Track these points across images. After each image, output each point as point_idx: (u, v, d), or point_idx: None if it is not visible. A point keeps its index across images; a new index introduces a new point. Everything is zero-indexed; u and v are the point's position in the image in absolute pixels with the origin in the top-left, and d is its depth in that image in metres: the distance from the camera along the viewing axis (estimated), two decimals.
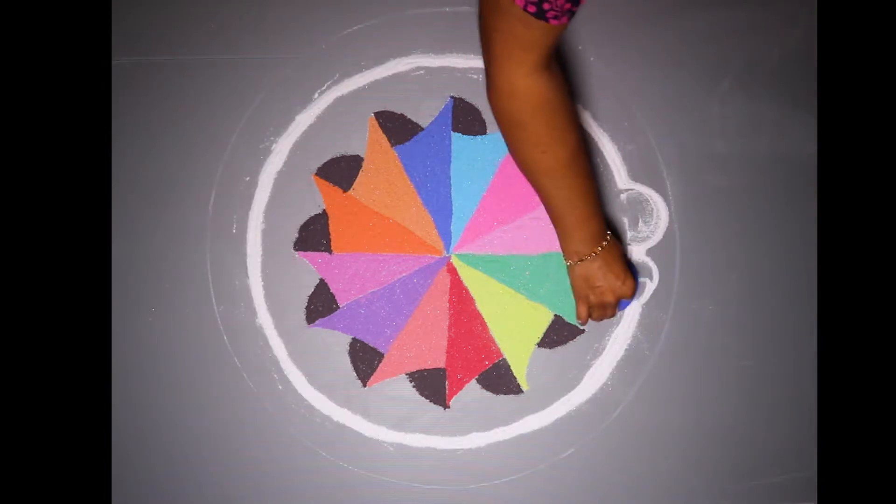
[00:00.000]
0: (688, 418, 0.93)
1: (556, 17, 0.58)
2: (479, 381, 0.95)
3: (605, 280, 0.83)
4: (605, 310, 0.87)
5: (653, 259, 0.95)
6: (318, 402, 0.94)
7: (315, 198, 0.96)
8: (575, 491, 0.93)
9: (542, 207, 0.95)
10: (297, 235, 0.96)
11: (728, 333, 0.94)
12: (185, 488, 0.94)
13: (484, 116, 0.96)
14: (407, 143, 0.96)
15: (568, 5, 0.58)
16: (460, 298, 0.95)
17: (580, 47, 0.96)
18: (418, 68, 0.97)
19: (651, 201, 0.95)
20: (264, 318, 0.95)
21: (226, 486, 0.94)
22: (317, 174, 0.96)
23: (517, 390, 0.94)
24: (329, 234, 0.96)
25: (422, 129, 0.96)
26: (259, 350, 0.95)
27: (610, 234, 0.83)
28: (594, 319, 0.89)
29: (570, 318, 0.95)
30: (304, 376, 0.95)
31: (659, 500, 0.93)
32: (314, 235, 0.96)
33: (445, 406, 0.94)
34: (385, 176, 0.96)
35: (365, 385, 0.95)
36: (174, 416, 0.94)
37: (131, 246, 0.95)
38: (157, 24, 0.97)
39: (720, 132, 0.95)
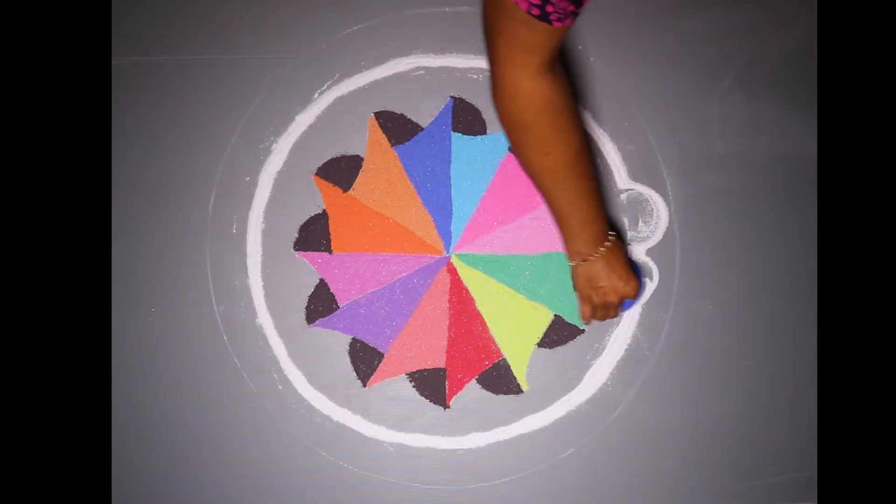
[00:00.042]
0: (688, 418, 0.93)
1: (559, 20, 0.58)
2: (479, 381, 0.95)
3: (609, 280, 0.83)
4: (609, 310, 0.87)
5: (653, 259, 0.95)
6: (318, 402, 0.94)
7: (315, 198, 0.96)
8: (575, 491, 0.93)
9: (542, 207, 0.95)
10: (297, 235, 0.96)
11: (728, 333, 0.94)
12: (185, 488, 0.94)
13: (484, 116, 0.96)
14: (407, 143, 0.96)
15: (571, 7, 0.58)
16: (460, 298, 0.95)
17: (580, 47, 0.96)
18: (418, 68, 0.97)
19: (651, 201, 0.95)
20: (264, 318, 0.95)
21: (226, 486, 0.94)
22: (317, 174, 0.96)
23: (517, 390, 0.94)
24: (329, 234, 0.96)
25: (422, 129, 0.96)
26: (259, 350, 0.95)
27: (613, 234, 0.83)
28: (597, 319, 0.89)
29: (571, 318, 0.95)
30: (304, 376, 0.95)
31: (659, 500, 0.93)
32: (314, 235, 0.96)
33: (445, 406, 0.94)
34: (385, 176, 0.96)
35: (365, 385, 0.95)
36: (174, 416, 0.94)
37: (131, 246, 0.95)
38: (157, 24, 0.97)
39: (720, 132, 0.95)
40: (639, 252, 0.95)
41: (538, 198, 0.96)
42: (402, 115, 0.96)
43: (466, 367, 0.95)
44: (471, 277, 0.96)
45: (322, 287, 0.95)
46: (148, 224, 0.95)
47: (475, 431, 0.94)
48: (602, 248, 0.81)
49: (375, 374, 0.95)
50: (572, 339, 0.95)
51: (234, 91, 0.96)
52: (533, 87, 0.66)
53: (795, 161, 0.95)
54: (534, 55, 0.63)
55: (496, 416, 0.94)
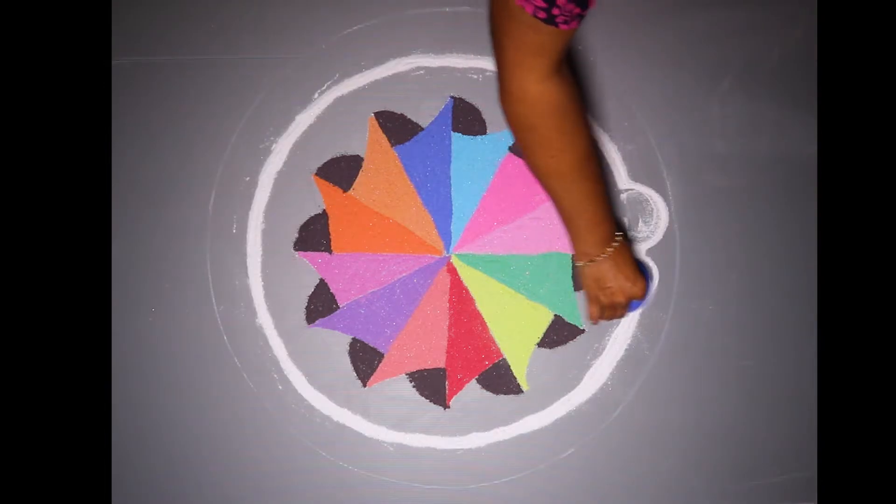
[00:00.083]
0: (688, 418, 0.93)
1: (565, 22, 0.59)
2: (479, 381, 0.95)
3: (616, 281, 0.84)
4: (616, 310, 0.87)
5: (653, 259, 0.95)
6: (318, 402, 0.94)
7: (315, 198, 0.96)
8: (575, 491, 0.93)
9: (543, 207, 0.95)
10: (297, 235, 0.96)
11: (728, 333, 0.94)
12: (185, 488, 0.94)
13: (484, 116, 0.96)
14: (407, 143, 0.96)
15: (577, 10, 0.58)
16: (460, 298, 0.95)
17: (580, 48, 0.96)
18: (418, 68, 0.97)
19: (651, 201, 0.95)
20: (264, 318, 0.95)
21: (226, 486, 0.94)
22: (317, 174, 0.96)
23: (517, 390, 0.94)
24: (329, 234, 0.96)
25: (422, 129, 0.96)
26: (259, 350, 0.95)
27: (620, 235, 0.83)
28: (605, 319, 0.89)
29: (571, 318, 0.95)
30: (304, 376, 0.95)
31: (659, 500, 0.93)
32: (314, 235, 0.96)
33: (445, 406, 0.94)
34: (385, 176, 0.96)
35: (365, 385, 0.95)
36: (174, 416, 0.94)
37: (131, 246, 0.95)
38: (157, 24, 0.97)
39: (720, 132, 0.95)
40: (639, 252, 0.95)
41: (538, 198, 0.96)
42: (402, 115, 0.96)
43: (466, 367, 0.95)
44: (471, 277, 0.96)
45: (322, 287, 0.95)
46: (148, 224, 0.95)
47: (475, 431, 0.94)
48: (609, 249, 0.82)
49: (375, 374, 0.95)
50: (572, 339, 0.95)
51: (234, 91, 0.96)
52: (540, 91, 0.66)
53: (795, 161, 0.95)
54: (541, 58, 0.63)
55: (496, 416, 0.94)
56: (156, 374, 0.94)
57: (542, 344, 0.95)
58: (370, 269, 0.95)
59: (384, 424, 0.94)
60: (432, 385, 0.95)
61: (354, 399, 0.94)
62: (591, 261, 0.82)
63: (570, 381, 0.94)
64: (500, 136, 0.96)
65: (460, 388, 0.94)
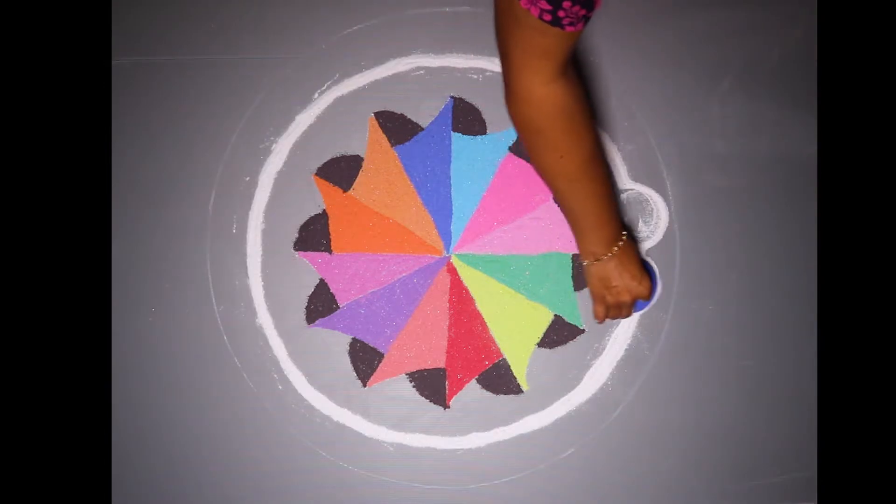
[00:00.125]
0: (688, 418, 0.93)
1: (571, 24, 0.59)
2: (479, 381, 0.95)
3: (622, 280, 0.84)
4: (621, 310, 0.87)
5: (653, 259, 0.95)
6: (318, 402, 0.94)
7: (315, 198, 0.96)
8: (575, 491, 0.93)
9: (543, 207, 0.95)
10: (297, 235, 0.96)
11: (728, 333, 0.94)
12: (185, 488, 0.94)
13: (484, 116, 0.96)
14: (407, 143, 0.96)
15: (583, 12, 0.58)
16: (460, 298, 0.95)
17: (580, 48, 0.96)
18: (418, 68, 0.97)
19: (651, 201, 0.95)
20: (264, 318, 0.95)
21: (226, 486, 0.94)
22: (317, 174, 0.96)
23: (517, 390, 0.94)
24: (329, 234, 0.96)
25: (422, 129, 0.96)
26: (259, 350, 0.95)
27: (626, 234, 0.83)
28: (610, 318, 0.89)
29: (570, 318, 0.95)
30: (304, 376, 0.95)
31: (659, 500, 0.93)
32: (314, 235, 0.96)
33: (445, 406, 0.94)
34: (385, 176, 0.96)
35: (365, 385, 0.95)
36: (174, 416, 0.94)
37: (131, 246, 0.95)
38: (157, 24, 0.97)
39: (720, 132, 0.95)
40: (639, 252, 0.95)
41: (538, 198, 0.96)
42: (402, 115, 0.96)
43: (466, 367, 0.95)
44: (471, 277, 0.96)
45: (322, 287, 0.95)
46: (148, 224, 0.95)
47: (475, 431, 0.94)
48: (615, 248, 0.82)
49: (375, 374, 0.95)
50: (572, 339, 0.95)
51: (234, 91, 0.96)
52: (547, 93, 0.66)
53: (795, 161, 0.95)
54: (547, 60, 0.64)
55: (496, 416, 0.94)
56: (156, 374, 0.94)
57: (542, 344, 0.95)
58: (370, 269, 0.95)
59: (384, 424, 0.94)
60: (432, 385, 0.95)
61: (354, 399, 0.94)
62: (597, 260, 0.83)
63: (570, 381, 0.94)
64: (500, 136, 0.96)
65: (460, 388, 0.94)
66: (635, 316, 0.94)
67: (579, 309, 0.95)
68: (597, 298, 0.87)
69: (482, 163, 0.96)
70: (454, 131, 0.96)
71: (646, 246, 0.95)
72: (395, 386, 0.95)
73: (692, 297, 0.94)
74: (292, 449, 0.94)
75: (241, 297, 0.95)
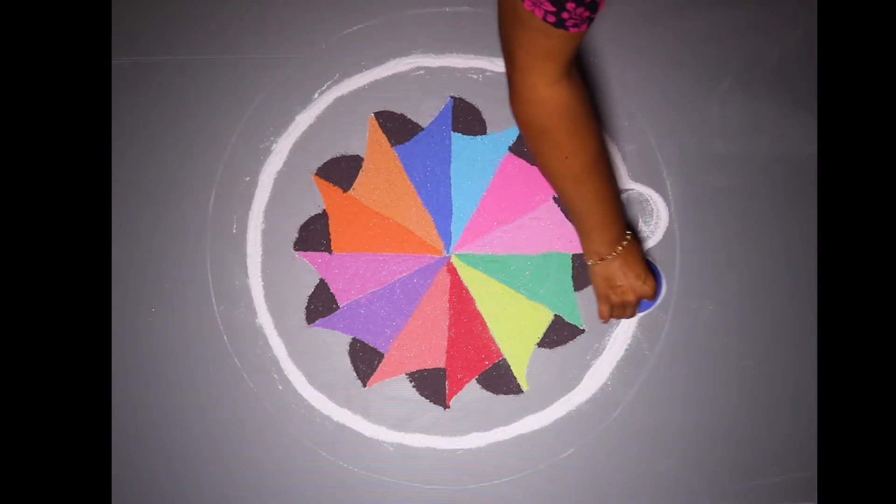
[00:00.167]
0: (688, 418, 0.93)
1: (574, 26, 0.59)
2: (479, 381, 0.95)
3: (626, 279, 0.84)
4: (626, 309, 0.87)
5: (653, 259, 0.95)
6: (318, 402, 0.94)
7: (315, 198, 0.96)
8: (575, 491, 0.93)
9: (542, 207, 0.95)
10: (297, 235, 0.96)
11: (728, 333, 0.94)
12: (185, 488, 0.94)
13: (484, 116, 0.96)
14: (407, 143, 0.96)
15: (587, 13, 0.58)
16: (460, 298, 0.95)
17: (580, 47, 0.96)
18: (418, 68, 0.97)
19: (651, 201, 0.95)
20: (264, 318, 0.95)
21: (226, 486, 0.94)
22: (317, 174, 0.96)
23: (517, 390, 0.94)
24: (329, 234, 0.96)
25: (422, 129, 0.96)
26: (259, 350, 0.95)
27: (630, 234, 0.83)
28: (615, 318, 0.89)
29: (570, 318, 0.95)
30: (304, 376, 0.95)
31: (659, 500, 0.93)
32: (314, 235, 0.96)
33: (445, 406, 0.94)
34: (385, 176, 0.96)
35: (365, 385, 0.95)
36: (174, 416, 0.94)
37: (131, 246, 0.95)
38: (157, 24, 0.97)
39: (720, 132, 0.95)
40: None
41: (538, 198, 0.96)
42: (402, 115, 0.96)
43: (466, 367, 0.95)
44: (471, 277, 0.96)
45: (322, 287, 0.95)
46: (148, 224, 0.95)
47: (475, 431, 0.94)
48: (619, 248, 0.82)
49: (375, 374, 0.95)
50: (572, 339, 0.95)
51: (234, 91, 0.96)
52: (551, 94, 0.66)
53: (795, 161, 0.95)
54: (551, 61, 0.64)
55: (496, 416, 0.94)
56: (156, 374, 0.94)
57: (542, 344, 0.95)
58: (370, 269, 0.95)
59: (384, 424, 0.94)
60: (432, 385, 0.95)
61: (354, 399, 0.94)
62: (602, 259, 0.83)
63: (570, 381, 0.94)
64: (500, 136, 0.96)
65: (460, 388, 0.94)
66: (636, 316, 0.94)
67: (579, 309, 0.95)
68: (601, 298, 0.87)
69: (482, 163, 0.96)
70: (454, 131, 0.96)
71: (646, 246, 0.95)
72: (395, 386, 0.95)
73: (692, 297, 0.94)
74: (292, 449, 0.94)
75: (241, 297, 0.95)
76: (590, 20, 0.60)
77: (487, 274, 0.96)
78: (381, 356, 0.95)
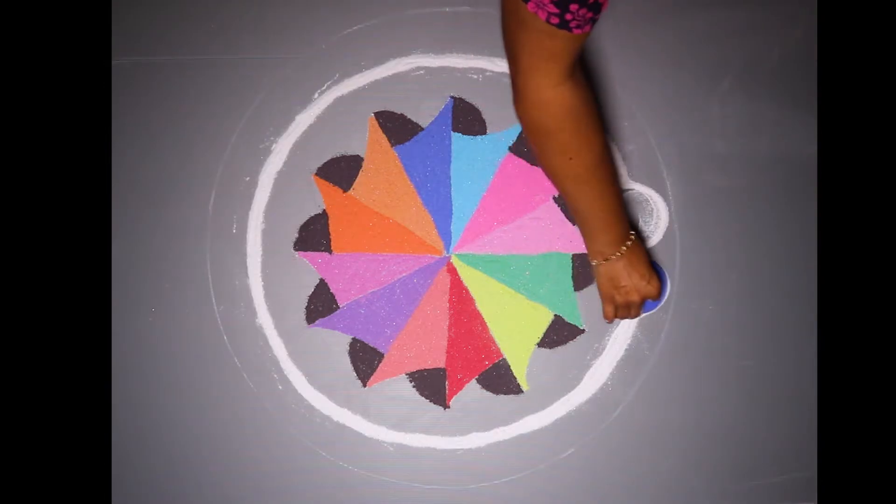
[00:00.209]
0: (688, 418, 0.93)
1: (578, 27, 0.59)
2: (479, 381, 0.95)
3: (630, 280, 0.84)
4: (630, 309, 0.87)
5: (653, 259, 0.95)
6: (318, 402, 0.94)
7: (315, 198, 0.96)
8: (575, 491, 0.93)
9: (542, 207, 0.95)
10: (297, 235, 0.96)
11: (728, 333, 0.94)
12: (185, 488, 0.94)
13: (484, 116, 0.96)
14: (407, 143, 0.96)
15: (590, 14, 0.58)
16: (460, 298, 0.95)
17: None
18: (418, 68, 0.97)
19: (651, 201, 0.95)
20: (264, 318, 0.95)
21: (226, 486, 0.94)
22: (317, 174, 0.96)
23: (517, 390, 0.94)
24: (329, 234, 0.96)
25: (422, 129, 0.96)
26: (259, 350, 0.95)
27: (634, 234, 0.83)
28: (619, 318, 0.89)
29: (570, 318, 0.95)
30: (304, 376, 0.95)
31: (659, 500, 0.93)
32: (314, 235, 0.96)
33: (445, 406, 0.94)
34: (385, 176, 0.96)
35: (365, 385, 0.95)
36: (174, 416, 0.94)
37: (131, 246, 0.95)
38: (157, 24, 0.97)
39: (720, 132, 0.95)
40: None
41: (538, 198, 0.96)
42: (402, 115, 0.96)
43: (466, 367, 0.95)
44: (471, 277, 0.96)
45: (322, 287, 0.95)
46: (148, 224, 0.95)
47: (475, 431, 0.94)
48: (623, 248, 0.82)
49: (375, 374, 0.95)
50: (572, 339, 0.95)
51: (234, 91, 0.96)
52: (555, 95, 0.66)
53: (795, 161, 0.95)
54: (555, 63, 0.64)
55: (496, 416, 0.94)
56: (156, 374, 0.94)
57: (542, 344, 0.95)
58: (370, 269, 0.95)
59: (384, 424, 0.94)
60: (432, 385, 0.95)
61: (354, 399, 0.94)
62: (606, 260, 0.83)
63: (570, 381, 0.94)
64: (500, 136, 0.96)
65: (460, 388, 0.95)
66: (640, 316, 0.94)
67: (579, 309, 0.95)
68: (606, 298, 0.87)
69: (482, 163, 0.96)
70: (454, 131, 0.96)
71: (646, 246, 0.95)
72: (395, 386, 0.95)
73: (692, 297, 0.94)
74: (292, 449, 0.94)
75: (241, 297, 0.95)
76: (593, 21, 0.60)
77: (487, 274, 0.96)
78: (381, 356, 0.95)
